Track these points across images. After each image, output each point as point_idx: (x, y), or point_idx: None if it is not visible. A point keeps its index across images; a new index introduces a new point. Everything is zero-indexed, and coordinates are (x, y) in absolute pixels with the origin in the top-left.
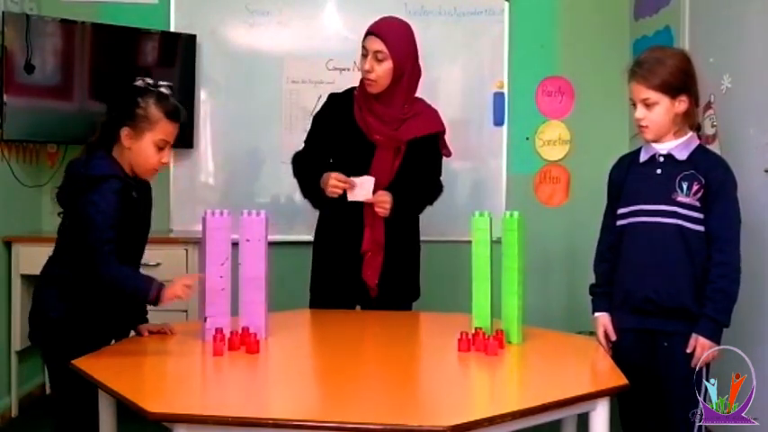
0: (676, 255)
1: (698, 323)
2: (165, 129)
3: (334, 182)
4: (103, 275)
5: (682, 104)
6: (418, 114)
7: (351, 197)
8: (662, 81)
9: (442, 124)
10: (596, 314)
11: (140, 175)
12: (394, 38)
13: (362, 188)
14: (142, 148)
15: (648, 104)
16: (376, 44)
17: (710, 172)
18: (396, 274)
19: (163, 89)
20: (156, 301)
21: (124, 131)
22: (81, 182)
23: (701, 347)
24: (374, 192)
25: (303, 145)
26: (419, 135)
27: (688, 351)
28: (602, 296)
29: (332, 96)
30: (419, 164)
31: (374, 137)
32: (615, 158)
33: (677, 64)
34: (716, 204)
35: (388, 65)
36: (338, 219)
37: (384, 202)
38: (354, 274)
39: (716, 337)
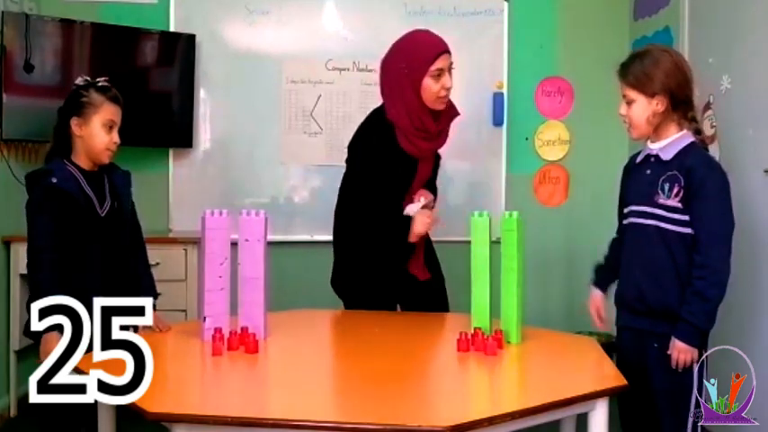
0: (660, 257)
1: (676, 326)
2: (108, 109)
3: (425, 219)
4: (33, 282)
5: (659, 105)
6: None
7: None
8: (636, 79)
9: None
10: (591, 287)
11: (96, 158)
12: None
13: (422, 202)
14: (92, 130)
15: (628, 101)
16: (450, 58)
17: (691, 173)
18: (430, 263)
19: (101, 83)
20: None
21: (73, 122)
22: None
23: (677, 351)
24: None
25: (354, 213)
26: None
27: (669, 353)
28: (597, 271)
29: (373, 139)
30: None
31: (424, 155)
32: (614, 159)
33: (656, 63)
34: (696, 206)
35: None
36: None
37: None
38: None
39: (693, 341)
